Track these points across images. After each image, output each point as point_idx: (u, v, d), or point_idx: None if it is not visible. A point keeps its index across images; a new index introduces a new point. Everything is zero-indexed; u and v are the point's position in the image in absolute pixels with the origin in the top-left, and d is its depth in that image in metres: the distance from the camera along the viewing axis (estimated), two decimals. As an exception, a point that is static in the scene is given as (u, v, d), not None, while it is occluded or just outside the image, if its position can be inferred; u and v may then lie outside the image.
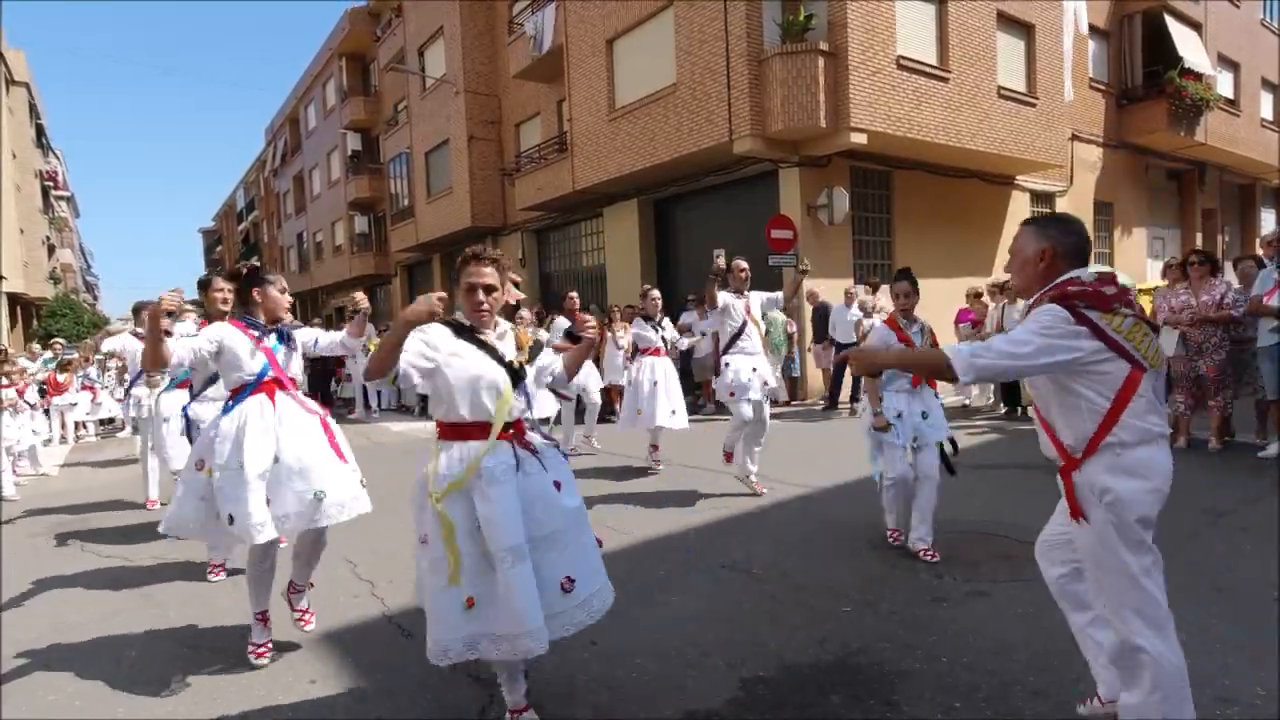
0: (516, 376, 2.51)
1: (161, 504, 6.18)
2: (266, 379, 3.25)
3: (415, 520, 2.49)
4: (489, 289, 2.52)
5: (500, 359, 2.49)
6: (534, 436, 2.58)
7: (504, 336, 2.58)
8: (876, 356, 2.83)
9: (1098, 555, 2.13)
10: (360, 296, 3.63)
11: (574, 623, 2.45)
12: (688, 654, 3.08)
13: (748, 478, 5.90)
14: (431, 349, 2.41)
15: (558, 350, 2.96)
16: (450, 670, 3.05)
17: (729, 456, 5.97)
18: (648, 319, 7.17)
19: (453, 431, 2.46)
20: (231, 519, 3.05)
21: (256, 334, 3.29)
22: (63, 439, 11.48)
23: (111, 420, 12.88)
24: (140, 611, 3.93)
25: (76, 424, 12.00)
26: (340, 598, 3.89)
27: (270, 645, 3.27)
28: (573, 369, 2.84)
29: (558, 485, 2.51)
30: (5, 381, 8.27)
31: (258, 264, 3.52)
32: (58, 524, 6.10)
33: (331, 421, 3.41)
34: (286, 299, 3.40)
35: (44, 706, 2.96)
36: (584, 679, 2.93)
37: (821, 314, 10.86)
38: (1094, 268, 2.20)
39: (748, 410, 5.64)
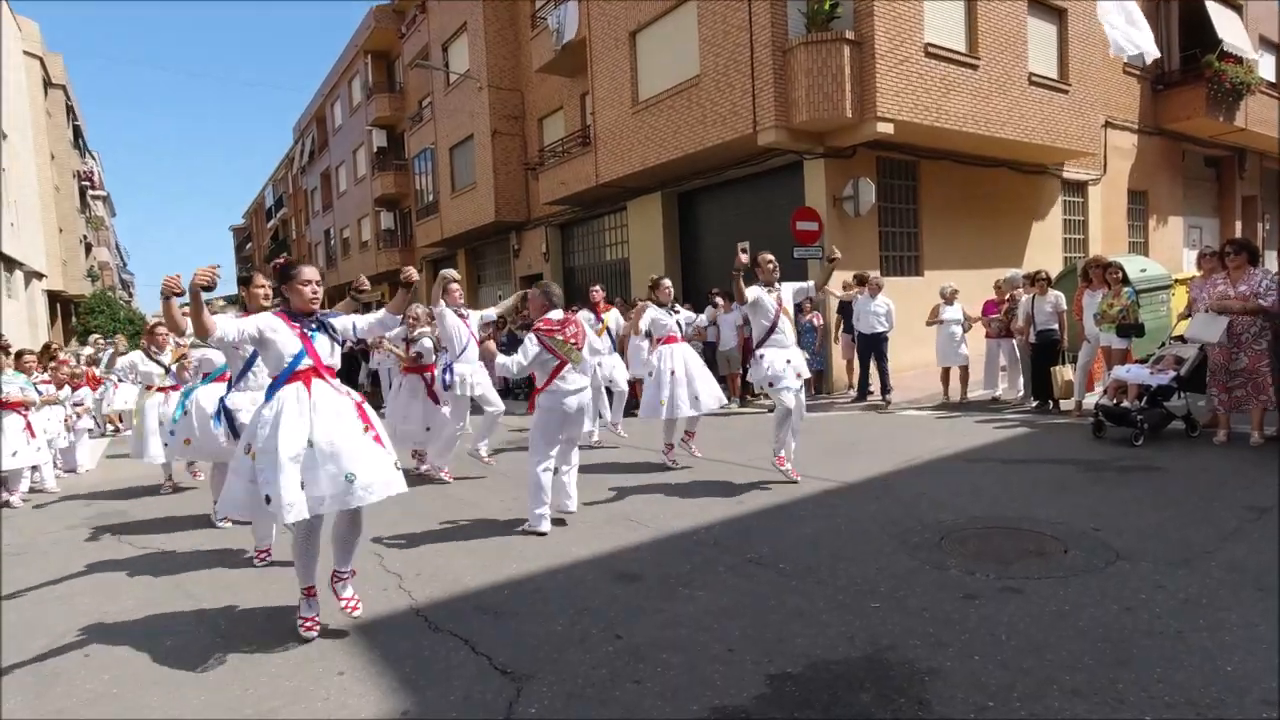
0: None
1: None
2: (303, 367, 3.35)
3: None
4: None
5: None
6: None
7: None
8: (487, 353, 5.08)
9: (537, 425, 4.95)
10: (409, 270, 3.73)
11: None
12: (714, 649, 3.06)
13: (782, 464, 5.82)
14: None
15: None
16: (479, 664, 3.07)
17: (781, 460, 5.85)
18: (661, 306, 7.14)
19: None
20: (268, 499, 3.17)
21: (297, 323, 3.40)
22: (102, 433, 11.75)
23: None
24: (175, 601, 4.01)
25: (108, 417, 12.25)
26: (368, 590, 3.92)
27: (317, 620, 3.40)
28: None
29: None
30: (46, 376, 8.48)
31: (282, 260, 3.60)
32: (95, 516, 6.25)
33: (368, 407, 3.48)
34: (309, 291, 3.43)
35: (82, 695, 3.03)
36: (609, 673, 2.92)
37: (847, 305, 10.74)
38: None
39: (789, 399, 5.64)
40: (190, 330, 3.92)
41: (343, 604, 3.49)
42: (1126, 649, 2.86)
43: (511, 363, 4.74)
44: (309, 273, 3.46)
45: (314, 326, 3.44)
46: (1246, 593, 3.30)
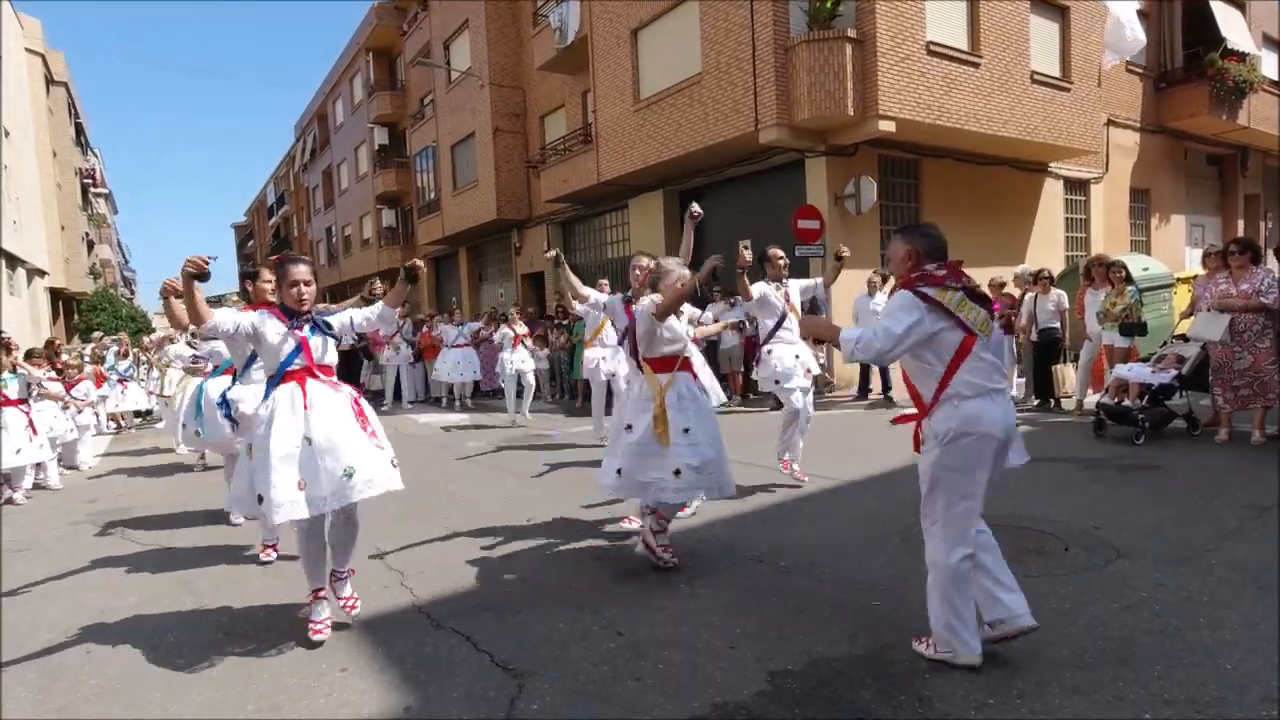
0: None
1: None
2: (296, 365, 3.35)
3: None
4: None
5: None
6: None
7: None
8: (818, 327, 3.46)
9: (937, 476, 2.78)
10: (419, 264, 3.59)
11: None
12: (715, 646, 3.07)
13: (787, 468, 5.76)
14: None
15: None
16: (481, 661, 3.08)
17: (786, 464, 5.76)
18: None
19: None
20: (260, 499, 3.21)
21: (291, 320, 3.39)
22: (101, 430, 11.76)
23: (149, 412, 13.16)
24: (178, 597, 4.02)
25: (111, 416, 12.27)
26: (371, 588, 3.93)
27: (329, 622, 3.38)
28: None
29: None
30: (52, 373, 8.49)
31: (276, 258, 3.57)
32: (98, 512, 6.26)
33: (364, 403, 3.49)
34: (295, 292, 3.36)
35: (86, 690, 3.04)
36: (610, 670, 2.93)
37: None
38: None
39: (797, 399, 5.57)
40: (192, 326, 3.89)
41: (341, 602, 3.51)
42: (1126, 647, 2.86)
43: (876, 336, 2.72)
44: (297, 272, 3.38)
45: (309, 325, 3.42)
46: (1247, 591, 3.31)
